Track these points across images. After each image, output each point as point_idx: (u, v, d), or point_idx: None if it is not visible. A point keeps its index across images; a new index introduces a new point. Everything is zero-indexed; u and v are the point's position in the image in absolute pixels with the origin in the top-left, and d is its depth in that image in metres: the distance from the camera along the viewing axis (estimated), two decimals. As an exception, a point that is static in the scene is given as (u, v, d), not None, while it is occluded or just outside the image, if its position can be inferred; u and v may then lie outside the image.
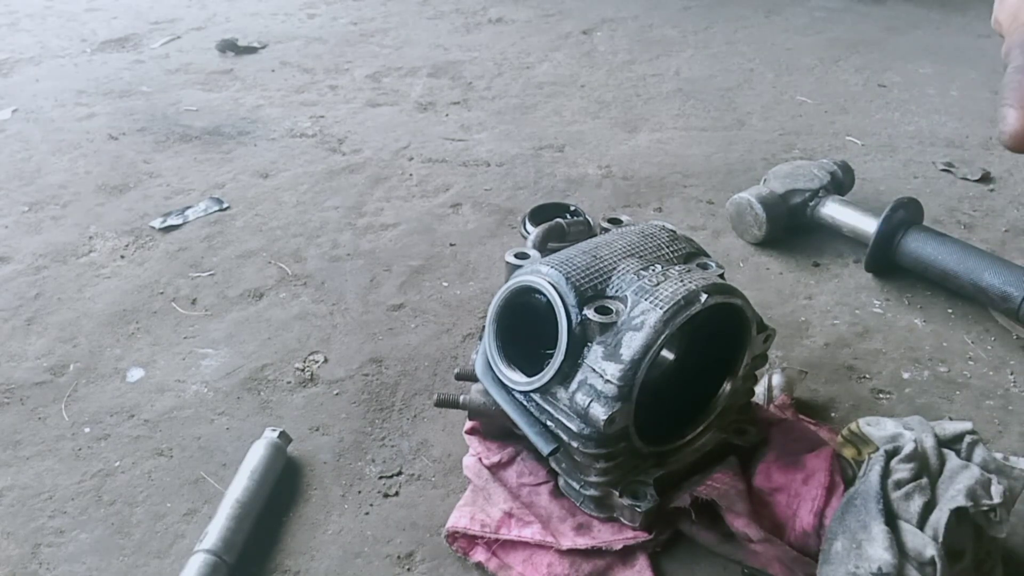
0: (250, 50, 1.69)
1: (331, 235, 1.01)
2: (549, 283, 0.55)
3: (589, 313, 0.54)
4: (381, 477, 0.66)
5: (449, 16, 1.93)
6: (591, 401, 0.53)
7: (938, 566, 0.48)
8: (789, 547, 0.55)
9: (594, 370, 0.53)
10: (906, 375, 0.77)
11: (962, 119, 1.34)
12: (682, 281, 0.54)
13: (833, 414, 0.72)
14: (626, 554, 0.57)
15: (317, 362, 0.79)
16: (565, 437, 0.56)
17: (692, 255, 0.60)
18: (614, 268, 0.57)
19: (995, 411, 0.73)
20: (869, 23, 1.88)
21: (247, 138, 1.29)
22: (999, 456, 0.55)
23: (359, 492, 0.65)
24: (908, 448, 0.54)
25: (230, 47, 1.68)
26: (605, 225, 0.67)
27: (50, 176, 1.17)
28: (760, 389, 0.70)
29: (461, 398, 0.64)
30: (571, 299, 0.54)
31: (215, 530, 0.57)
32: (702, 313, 0.54)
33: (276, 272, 0.93)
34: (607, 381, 0.52)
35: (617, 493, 0.57)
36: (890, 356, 0.79)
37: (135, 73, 1.58)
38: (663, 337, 0.52)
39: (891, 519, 0.51)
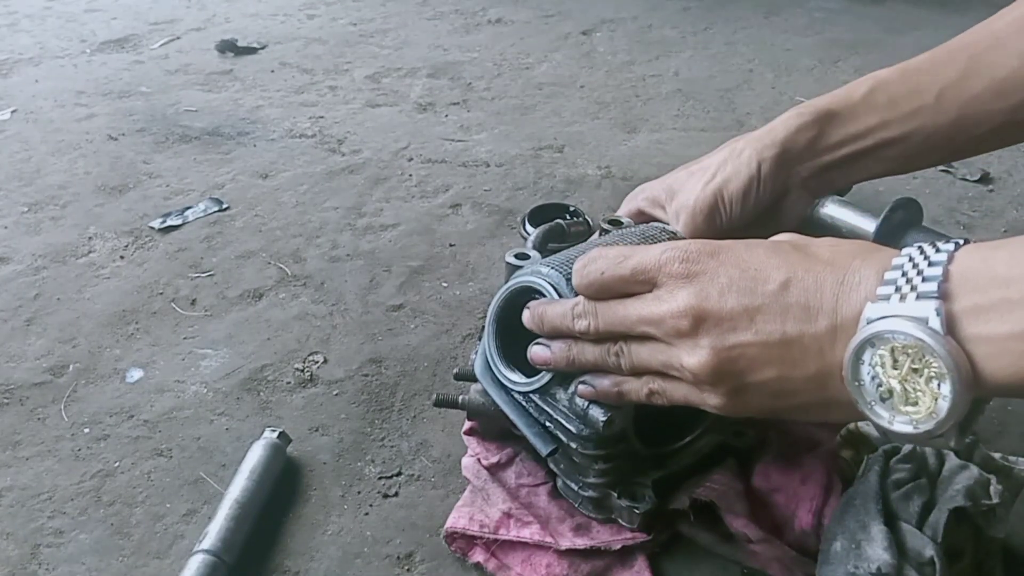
0: (249, 51, 1.69)
1: (330, 235, 1.01)
2: (549, 284, 0.55)
3: (588, 314, 0.54)
4: (381, 477, 0.66)
5: (448, 17, 1.93)
6: (590, 402, 0.53)
7: (937, 566, 0.48)
8: (788, 547, 0.55)
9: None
10: (905, 375, 0.77)
11: (961, 120, 1.33)
12: (681, 282, 0.54)
13: (832, 414, 0.72)
14: (625, 555, 0.57)
15: (317, 362, 0.79)
16: (564, 438, 0.56)
17: (691, 256, 0.60)
18: (613, 269, 0.57)
19: (995, 411, 0.73)
20: (868, 24, 1.88)
21: (246, 139, 1.29)
22: (998, 456, 0.55)
23: (359, 492, 0.65)
24: (907, 448, 0.55)
25: (229, 48, 1.68)
26: (605, 227, 0.67)
27: (49, 177, 1.17)
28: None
29: (460, 398, 0.64)
30: (570, 300, 0.54)
31: (214, 530, 0.57)
32: (701, 314, 0.54)
33: (276, 272, 0.93)
34: (606, 382, 0.52)
35: (615, 494, 0.57)
36: (889, 356, 0.79)
37: (134, 74, 1.58)
38: (662, 338, 0.52)
39: (890, 519, 0.51)
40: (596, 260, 0.49)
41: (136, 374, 0.78)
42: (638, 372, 0.49)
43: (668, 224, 0.66)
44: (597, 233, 0.69)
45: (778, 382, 0.43)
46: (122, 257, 0.97)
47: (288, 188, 1.13)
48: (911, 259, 0.39)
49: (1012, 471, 0.54)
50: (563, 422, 0.55)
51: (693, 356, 0.44)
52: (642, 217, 0.70)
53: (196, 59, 1.66)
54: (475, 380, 0.62)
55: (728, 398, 0.45)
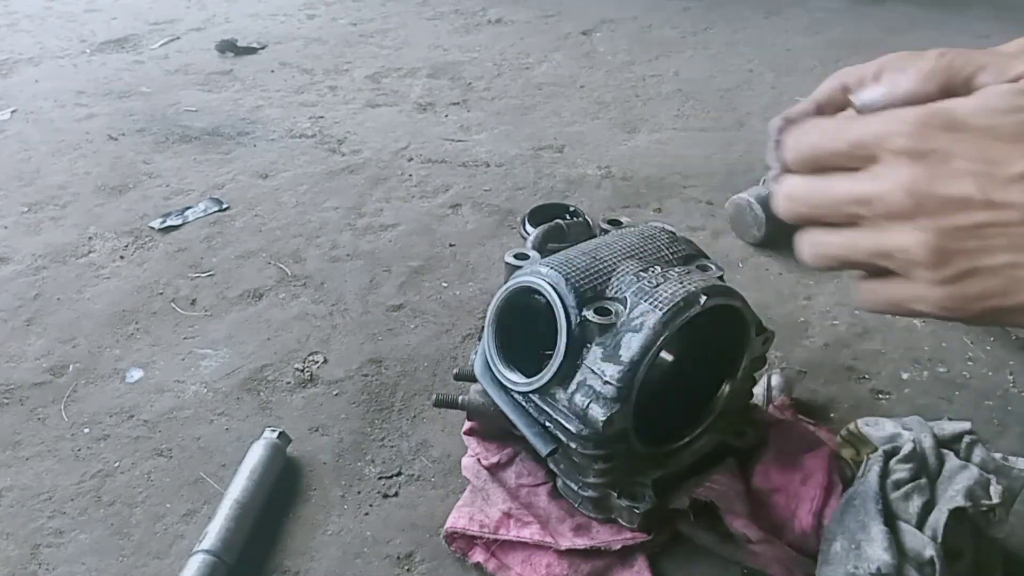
0: (249, 51, 1.69)
1: (330, 236, 1.01)
2: (548, 284, 0.55)
3: (588, 314, 0.54)
4: (380, 478, 0.66)
5: (448, 17, 1.93)
6: (590, 402, 0.53)
7: (937, 566, 0.48)
8: (788, 547, 0.55)
9: (593, 371, 0.53)
10: (905, 375, 0.77)
11: (961, 120, 1.33)
12: (681, 283, 0.55)
13: (832, 415, 0.72)
14: (625, 555, 0.57)
15: (317, 362, 0.79)
16: (564, 438, 0.56)
17: (692, 257, 0.60)
18: (614, 269, 0.57)
19: (994, 411, 0.73)
20: (869, 24, 1.88)
21: (246, 139, 1.29)
22: (998, 456, 0.55)
23: (359, 492, 0.65)
24: (907, 448, 0.55)
25: (229, 48, 1.68)
26: (604, 226, 0.67)
27: (49, 177, 1.17)
28: (759, 390, 0.70)
29: (460, 398, 0.64)
30: (570, 300, 0.54)
31: (214, 530, 0.57)
32: (701, 315, 0.54)
33: (275, 272, 0.93)
34: (606, 382, 0.52)
35: (615, 494, 0.57)
36: (889, 356, 0.79)
37: (134, 74, 1.58)
38: (662, 339, 0.52)
39: (890, 519, 0.51)
40: (809, 131, 0.44)
41: (136, 374, 0.78)
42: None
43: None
44: (598, 233, 0.69)
45: (1011, 269, 0.38)
46: (122, 257, 0.97)
47: (288, 188, 1.13)
48: None
49: (1012, 471, 0.54)
50: (563, 422, 0.55)
51: (912, 236, 0.39)
52: (842, 96, 0.59)
53: (196, 59, 1.66)
54: (475, 380, 0.62)
55: (948, 287, 0.39)
